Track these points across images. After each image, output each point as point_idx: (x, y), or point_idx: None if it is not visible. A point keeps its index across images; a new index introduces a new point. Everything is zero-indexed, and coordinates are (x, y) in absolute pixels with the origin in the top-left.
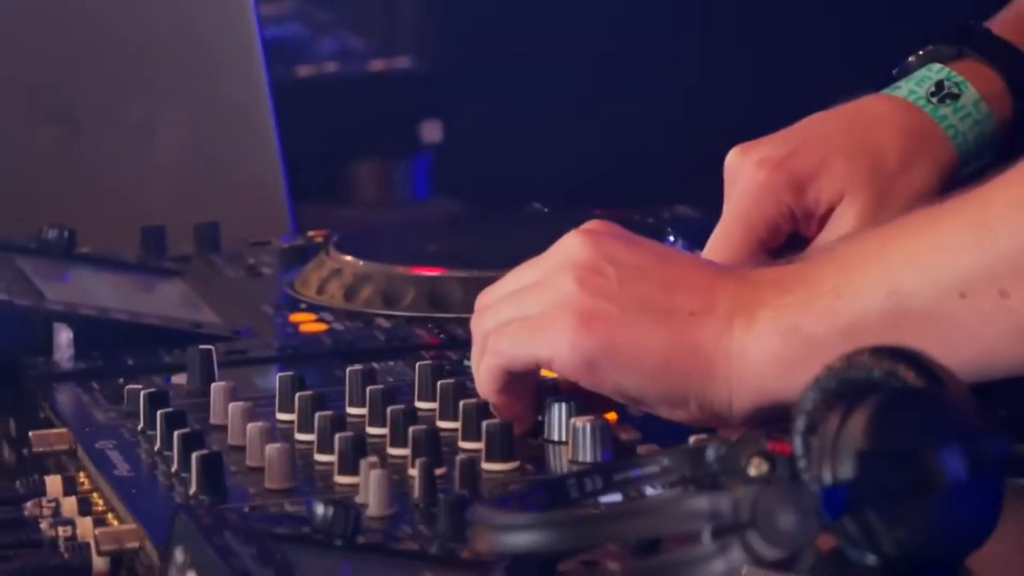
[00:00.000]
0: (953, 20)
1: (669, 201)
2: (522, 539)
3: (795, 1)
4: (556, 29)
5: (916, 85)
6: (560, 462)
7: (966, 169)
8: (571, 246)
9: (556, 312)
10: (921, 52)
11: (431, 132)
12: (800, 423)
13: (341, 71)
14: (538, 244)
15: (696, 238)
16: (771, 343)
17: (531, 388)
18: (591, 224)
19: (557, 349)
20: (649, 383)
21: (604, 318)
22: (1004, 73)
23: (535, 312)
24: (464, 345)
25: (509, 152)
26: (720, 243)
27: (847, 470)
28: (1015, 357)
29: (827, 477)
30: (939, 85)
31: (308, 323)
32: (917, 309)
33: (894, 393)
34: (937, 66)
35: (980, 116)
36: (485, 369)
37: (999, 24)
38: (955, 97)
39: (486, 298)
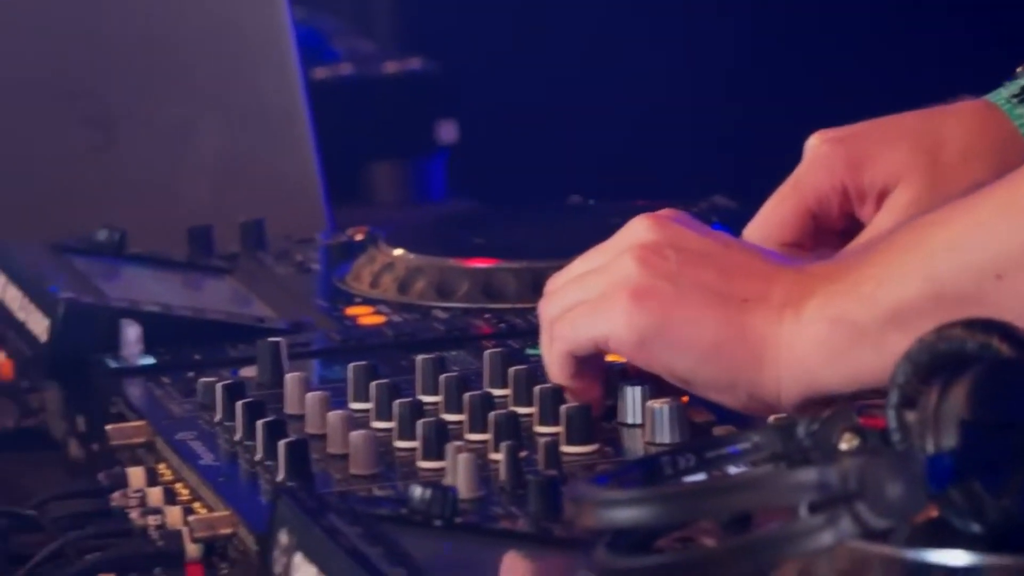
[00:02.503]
0: None
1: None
2: (630, 514)
3: None
4: (568, 26)
5: (1005, 89)
6: (637, 444)
7: None
8: (637, 229)
9: (614, 291)
10: None
11: (447, 132)
12: (894, 397)
13: (356, 73)
14: (584, 234)
15: (736, 228)
16: (818, 331)
17: (601, 371)
18: (661, 211)
19: (612, 327)
20: (700, 366)
21: (658, 295)
22: None
23: (596, 294)
24: (521, 335)
25: (523, 150)
26: (770, 207)
27: (951, 440)
28: None
29: (930, 448)
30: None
31: (366, 316)
32: (955, 292)
33: (995, 364)
34: None
35: None
36: (554, 355)
37: None
38: None
39: (553, 284)
